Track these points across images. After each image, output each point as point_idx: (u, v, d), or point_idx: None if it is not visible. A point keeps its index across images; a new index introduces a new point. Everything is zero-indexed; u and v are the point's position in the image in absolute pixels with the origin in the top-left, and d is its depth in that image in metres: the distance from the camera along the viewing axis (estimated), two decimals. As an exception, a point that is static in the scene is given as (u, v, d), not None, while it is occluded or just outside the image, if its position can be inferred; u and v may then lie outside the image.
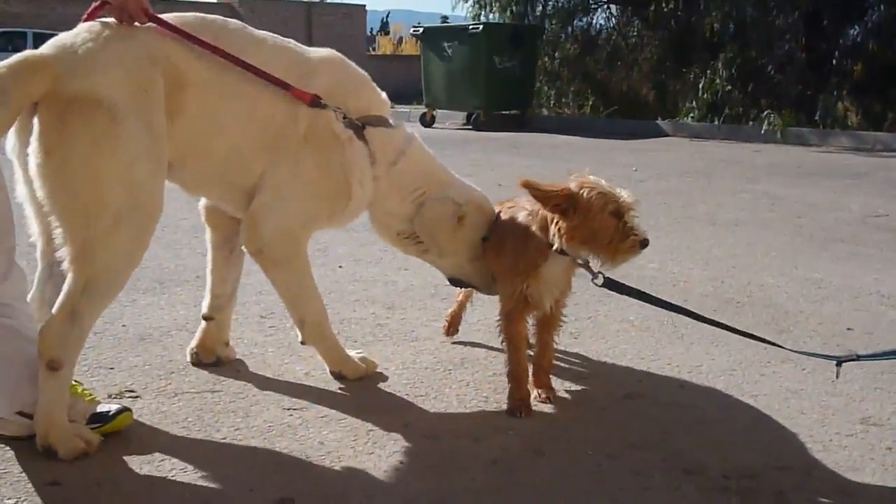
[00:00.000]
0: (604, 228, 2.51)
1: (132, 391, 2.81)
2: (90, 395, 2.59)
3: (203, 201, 2.99)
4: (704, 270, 4.65)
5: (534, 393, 2.81)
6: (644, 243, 2.53)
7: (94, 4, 2.50)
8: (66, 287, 2.30)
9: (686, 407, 2.84)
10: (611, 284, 2.76)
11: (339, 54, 2.90)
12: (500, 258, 2.79)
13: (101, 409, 2.51)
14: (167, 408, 2.70)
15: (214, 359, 3.07)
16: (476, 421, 2.68)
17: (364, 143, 2.79)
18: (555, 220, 2.57)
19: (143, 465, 2.32)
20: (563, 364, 3.16)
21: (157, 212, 2.46)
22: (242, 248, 2.84)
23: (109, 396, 2.76)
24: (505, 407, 2.75)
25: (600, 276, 2.71)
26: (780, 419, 2.74)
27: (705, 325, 3.34)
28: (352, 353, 3.01)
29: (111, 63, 2.33)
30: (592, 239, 2.54)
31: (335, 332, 3.00)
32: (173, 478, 2.26)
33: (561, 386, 2.96)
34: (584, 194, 2.53)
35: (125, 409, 2.52)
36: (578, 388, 2.97)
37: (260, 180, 2.70)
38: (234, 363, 3.09)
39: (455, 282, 3.10)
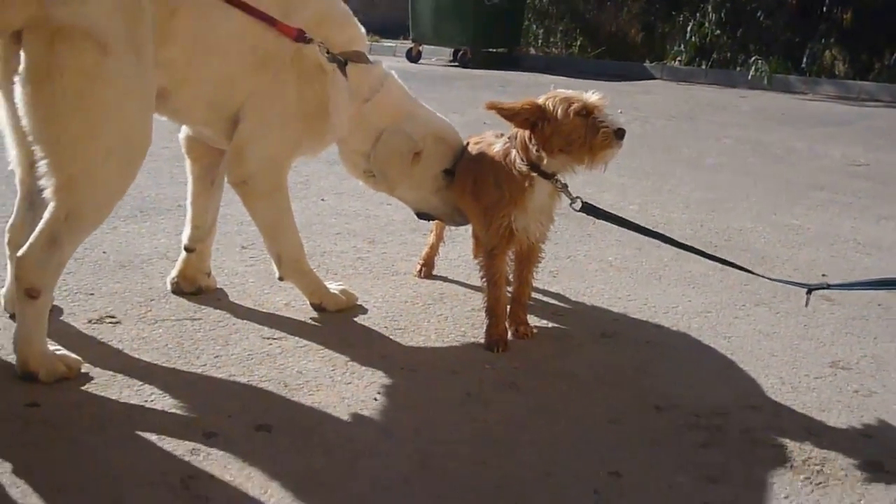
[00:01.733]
0: (575, 129, 2.54)
1: (112, 317, 2.83)
2: None
3: (183, 131, 2.98)
4: (684, 213, 4.68)
5: (511, 329, 2.85)
6: (619, 133, 2.54)
7: None
8: (47, 215, 2.29)
9: (660, 346, 2.88)
10: (588, 209, 2.80)
11: None
12: (483, 193, 2.78)
13: None
14: (147, 334, 2.72)
15: (195, 288, 3.08)
16: (453, 354, 2.72)
17: (345, 78, 2.78)
18: (531, 138, 2.60)
19: (124, 388, 2.35)
20: (541, 302, 3.19)
21: (146, 145, 2.45)
22: (224, 179, 2.86)
23: (90, 322, 2.77)
24: (482, 341, 2.78)
25: (578, 200, 2.75)
26: (752, 360, 2.79)
27: (683, 267, 3.38)
28: (332, 285, 3.03)
29: None
30: (568, 144, 2.57)
31: (313, 266, 3.02)
32: (153, 403, 2.29)
33: (538, 323, 2.99)
34: (549, 103, 2.58)
35: None
36: (555, 325, 3.01)
37: (244, 105, 2.69)
38: (215, 292, 3.11)
39: (422, 215, 3.13)
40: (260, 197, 2.80)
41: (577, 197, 2.75)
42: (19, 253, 2.32)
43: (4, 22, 2.18)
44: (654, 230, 3.03)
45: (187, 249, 3.07)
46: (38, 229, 2.30)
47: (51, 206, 2.28)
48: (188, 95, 2.66)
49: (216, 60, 2.62)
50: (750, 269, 2.93)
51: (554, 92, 2.63)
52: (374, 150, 2.90)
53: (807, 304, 2.67)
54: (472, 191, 2.84)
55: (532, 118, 2.59)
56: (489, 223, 2.75)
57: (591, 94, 2.60)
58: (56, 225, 2.27)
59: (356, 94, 2.83)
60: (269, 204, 2.82)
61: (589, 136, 2.54)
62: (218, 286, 3.16)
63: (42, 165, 2.26)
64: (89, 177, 2.28)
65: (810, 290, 2.65)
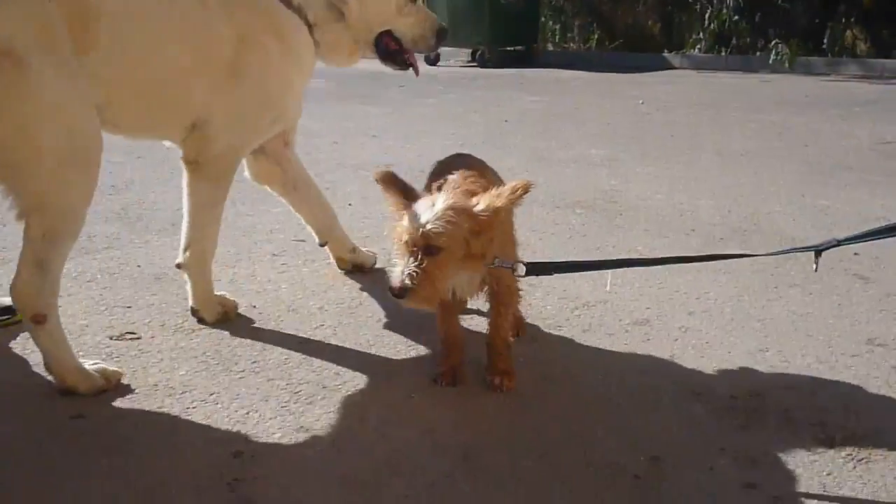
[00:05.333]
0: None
1: (133, 333, 2.85)
2: None
3: (246, 172, 3.19)
4: (711, 200, 4.66)
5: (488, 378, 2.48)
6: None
7: None
8: (25, 240, 2.28)
9: (694, 332, 2.88)
10: (532, 270, 2.40)
11: None
12: None
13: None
14: (185, 344, 2.75)
15: (352, 265, 3.42)
16: (486, 351, 2.72)
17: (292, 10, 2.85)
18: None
19: (165, 398, 2.39)
20: (572, 293, 3.20)
21: (97, 148, 2.36)
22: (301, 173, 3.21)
23: (129, 334, 2.81)
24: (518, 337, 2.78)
25: (520, 265, 2.36)
26: (787, 342, 2.79)
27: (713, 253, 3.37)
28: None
29: (4, 4, 2.18)
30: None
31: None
32: (194, 410, 2.32)
33: (571, 314, 3.00)
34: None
35: None
36: (587, 315, 3.02)
37: (204, 108, 2.70)
38: (249, 299, 3.14)
39: (387, 55, 3.13)
40: (207, 179, 2.84)
41: (518, 261, 2.37)
42: (11, 285, 2.30)
43: None
44: (605, 260, 3.38)
45: (321, 245, 3.41)
46: (21, 256, 2.29)
47: (26, 230, 2.27)
48: (131, 106, 2.61)
49: (151, 66, 2.57)
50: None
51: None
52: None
53: (816, 269, 2.54)
54: None
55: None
56: None
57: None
58: (36, 246, 2.26)
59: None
60: (212, 189, 2.86)
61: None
62: (252, 292, 3.20)
63: (1, 191, 2.24)
64: (51, 191, 2.25)
65: (819, 251, 2.54)
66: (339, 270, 3.43)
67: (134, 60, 2.53)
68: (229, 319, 2.94)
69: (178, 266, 2.94)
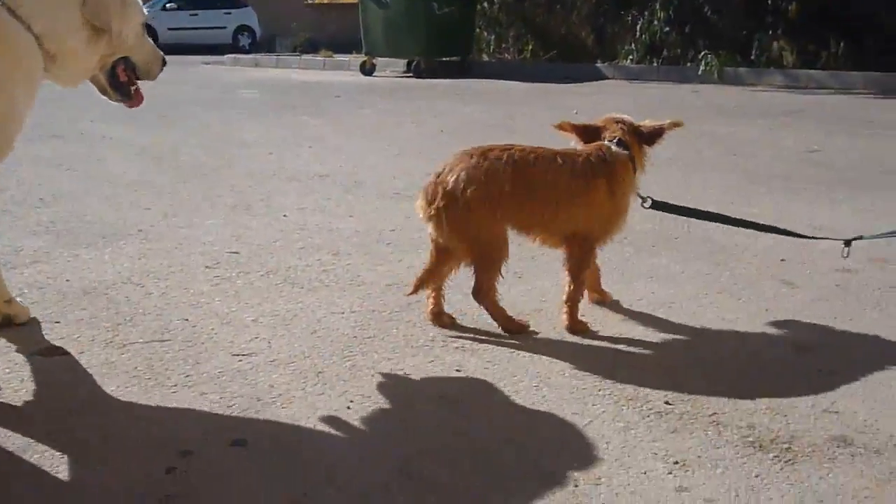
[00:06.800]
0: None
1: (61, 349, 2.78)
2: None
3: None
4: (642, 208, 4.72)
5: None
6: None
7: None
8: None
9: (628, 338, 2.92)
10: (658, 206, 3.25)
11: None
12: None
13: None
14: (116, 358, 2.71)
15: (0, 318, 2.93)
16: (423, 360, 2.73)
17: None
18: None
19: (95, 414, 2.34)
20: (507, 302, 3.22)
21: None
22: None
23: (56, 350, 2.75)
24: (452, 344, 2.81)
25: (649, 199, 3.20)
26: (718, 346, 2.84)
27: (643, 262, 3.44)
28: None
29: None
30: None
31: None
32: (125, 426, 2.28)
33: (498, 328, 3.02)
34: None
35: None
36: (532, 325, 3.04)
37: None
38: (182, 312, 3.10)
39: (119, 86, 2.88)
40: None
41: (648, 196, 3.22)
42: None
43: None
44: (726, 216, 3.48)
45: None
46: None
47: None
48: None
49: None
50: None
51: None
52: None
53: (846, 255, 3.15)
54: None
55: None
56: None
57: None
58: None
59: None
60: None
61: None
62: (186, 305, 3.16)
63: None
64: None
65: (848, 242, 3.13)
66: None
67: None
68: (14, 324, 2.88)
69: None
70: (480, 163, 2.81)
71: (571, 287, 2.96)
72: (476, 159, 2.83)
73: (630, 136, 3.06)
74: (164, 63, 2.98)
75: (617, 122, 3.11)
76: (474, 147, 2.90)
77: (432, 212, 2.82)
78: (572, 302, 2.97)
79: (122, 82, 2.87)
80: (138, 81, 2.94)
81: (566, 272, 2.98)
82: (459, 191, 2.77)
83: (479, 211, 2.78)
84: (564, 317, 2.98)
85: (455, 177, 2.79)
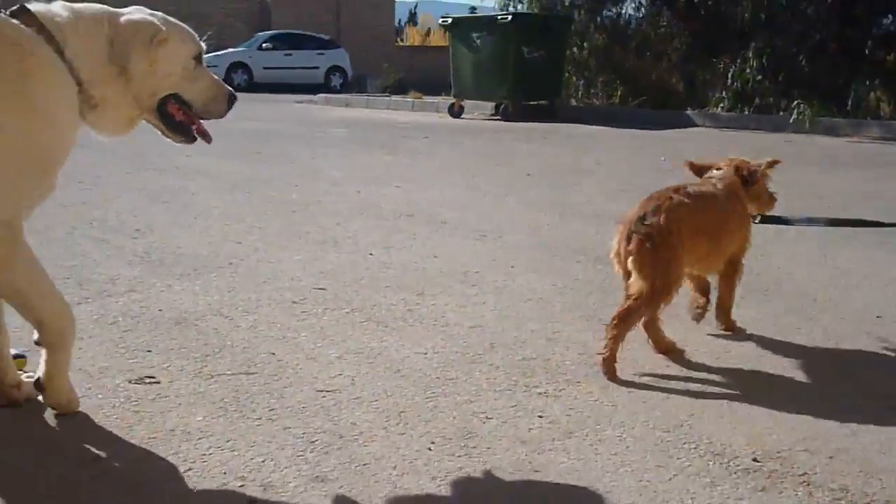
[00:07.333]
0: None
1: (152, 377, 2.86)
2: None
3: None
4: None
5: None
6: None
7: None
8: None
9: (715, 390, 2.86)
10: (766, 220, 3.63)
11: None
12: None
13: None
14: (204, 389, 2.76)
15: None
16: (505, 403, 2.72)
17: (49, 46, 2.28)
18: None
19: (182, 443, 2.38)
20: (591, 348, 3.18)
21: None
22: None
23: (129, 382, 2.81)
24: (535, 389, 2.79)
25: (758, 216, 3.57)
26: (810, 402, 2.76)
27: (733, 314, 3.37)
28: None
29: None
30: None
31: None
32: (210, 456, 2.32)
33: (590, 370, 2.99)
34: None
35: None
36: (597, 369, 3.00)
37: None
38: (268, 346, 3.15)
39: (174, 125, 2.61)
40: None
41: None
42: None
43: None
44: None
45: None
46: None
47: None
48: None
49: None
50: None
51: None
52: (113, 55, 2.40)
53: None
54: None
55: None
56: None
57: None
58: None
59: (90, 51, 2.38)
60: (8, 276, 2.32)
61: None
62: (272, 339, 3.20)
63: None
64: None
65: None
66: None
67: None
68: (67, 412, 2.54)
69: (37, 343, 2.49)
70: (674, 201, 3.05)
71: (727, 297, 3.43)
72: (672, 198, 3.06)
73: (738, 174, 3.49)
74: (231, 98, 2.66)
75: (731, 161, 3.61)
76: (658, 191, 3.14)
77: (634, 249, 2.98)
78: (728, 308, 3.44)
79: (178, 122, 2.60)
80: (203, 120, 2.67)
81: (726, 288, 3.43)
82: (662, 228, 2.97)
83: (677, 247, 3.01)
84: (721, 321, 3.44)
85: (658, 216, 2.99)
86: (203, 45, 2.61)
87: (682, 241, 3.01)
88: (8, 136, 2.19)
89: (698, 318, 3.44)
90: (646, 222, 2.97)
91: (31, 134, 2.24)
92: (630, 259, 2.99)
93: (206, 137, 2.70)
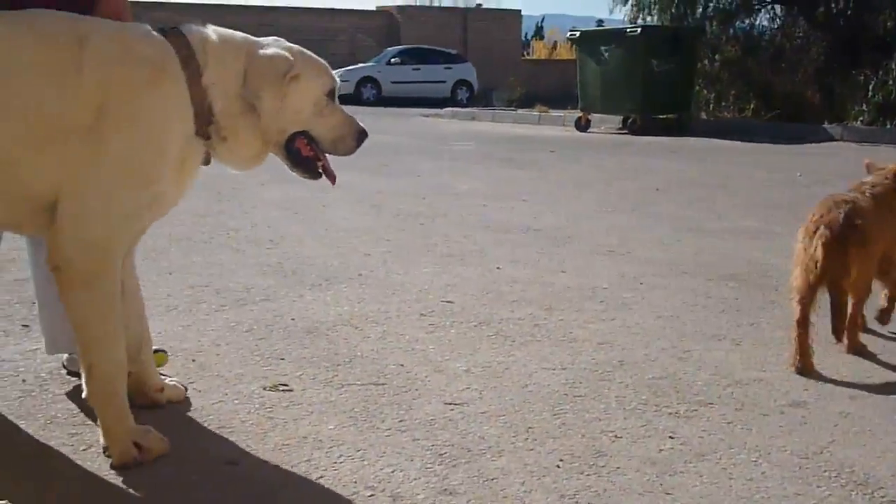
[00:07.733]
0: None
1: (285, 385, 2.92)
2: None
3: None
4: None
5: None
6: None
7: None
8: None
9: (856, 417, 2.74)
10: None
11: None
12: None
13: None
14: (335, 398, 2.81)
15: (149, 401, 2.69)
16: (635, 423, 2.67)
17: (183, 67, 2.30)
18: None
19: (314, 451, 2.44)
20: (724, 370, 3.10)
21: None
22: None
23: (264, 389, 2.88)
24: (665, 409, 2.73)
25: None
26: (959, 434, 2.62)
27: (874, 343, 3.24)
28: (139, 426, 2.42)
29: None
30: None
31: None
32: (341, 464, 2.36)
33: (724, 391, 2.91)
34: None
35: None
36: (740, 393, 2.91)
37: (58, 186, 2.20)
38: (397, 358, 3.19)
39: (300, 161, 2.54)
40: (77, 285, 2.24)
41: None
42: None
43: None
44: None
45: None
46: None
47: None
48: None
49: None
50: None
51: None
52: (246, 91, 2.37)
53: None
54: None
55: None
56: None
57: None
58: None
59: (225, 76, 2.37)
60: (88, 296, 2.25)
61: None
62: (400, 351, 3.24)
63: None
64: None
65: None
66: None
67: None
68: (147, 460, 2.35)
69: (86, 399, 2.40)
70: (863, 202, 3.26)
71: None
72: (857, 201, 3.24)
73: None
74: (362, 135, 2.56)
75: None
76: (839, 193, 3.38)
77: (834, 246, 3.06)
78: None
79: (304, 157, 2.52)
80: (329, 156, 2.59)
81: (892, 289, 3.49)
82: (859, 228, 3.10)
83: (875, 246, 3.20)
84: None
85: (848, 218, 3.11)
86: (338, 80, 2.55)
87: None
88: (107, 148, 2.18)
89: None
90: (857, 222, 3.08)
91: (131, 147, 2.22)
92: (836, 260, 3.06)
93: (331, 177, 2.59)
